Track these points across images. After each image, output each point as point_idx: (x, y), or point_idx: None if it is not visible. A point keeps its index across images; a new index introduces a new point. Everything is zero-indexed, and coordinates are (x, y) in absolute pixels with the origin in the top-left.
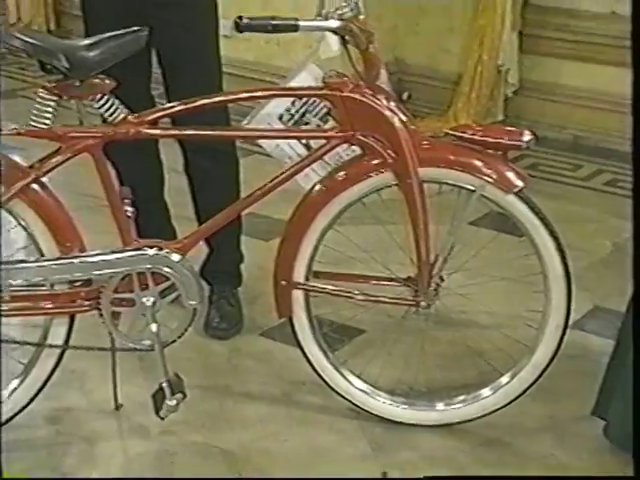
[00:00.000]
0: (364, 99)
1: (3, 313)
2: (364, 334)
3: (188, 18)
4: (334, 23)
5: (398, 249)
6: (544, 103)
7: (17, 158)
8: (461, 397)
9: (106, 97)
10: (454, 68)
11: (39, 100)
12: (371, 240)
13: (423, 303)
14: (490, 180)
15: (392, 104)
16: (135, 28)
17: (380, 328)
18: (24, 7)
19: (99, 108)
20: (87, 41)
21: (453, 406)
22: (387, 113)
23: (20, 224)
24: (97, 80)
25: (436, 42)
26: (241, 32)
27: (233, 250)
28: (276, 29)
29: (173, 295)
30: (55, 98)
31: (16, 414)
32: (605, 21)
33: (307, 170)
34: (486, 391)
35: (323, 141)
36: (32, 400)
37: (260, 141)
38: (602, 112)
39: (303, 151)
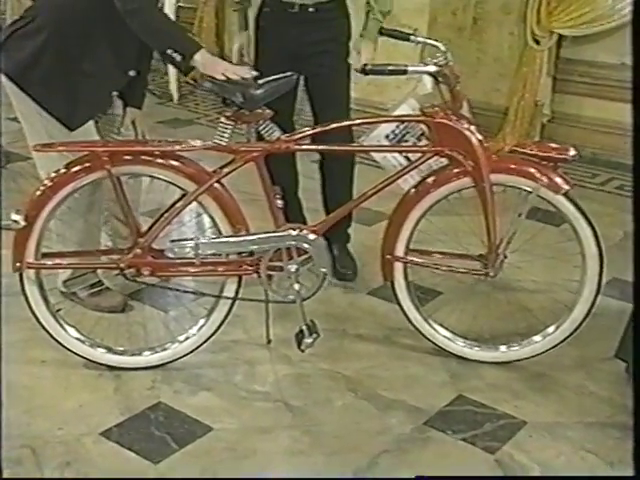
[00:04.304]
0: (451, 124)
1: (195, 274)
2: (442, 295)
3: (334, 64)
4: (432, 68)
5: (471, 234)
6: (570, 129)
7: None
8: (518, 342)
9: (266, 122)
10: (503, 103)
11: (221, 124)
12: (453, 227)
13: (491, 274)
14: (543, 184)
15: (472, 127)
16: (289, 73)
17: (454, 291)
18: None
19: (261, 130)
20: (257, 83)
21: (512, 348)
22: (468, 134)
23: (206, 212)
24: (260, 110)
25: (490, 84)
26: (366, 75)
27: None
28: (391, 72)
29: (310, 264)
30: (232, 123)
31: (202, 344)
32: (616, 69)
33: (406, 176)
34: (537, 338)
35: (419, 154)
36: (213, 334)
37: (373, 154)
38: (612, 136)
39: (404, 162)
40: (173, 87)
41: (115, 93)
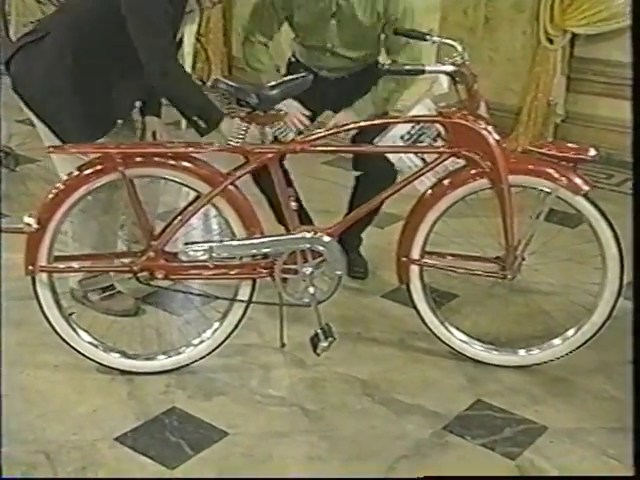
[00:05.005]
0: (468, 124)
1: (208, 277)
2: (458, 298)
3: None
4: (450, 67)
5: (486, 236)
6: (584, 129)
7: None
8: (537, 345)
9: (281, 123)
10: (515, 103)
11: (235, 126)
12: (468, 228)
13: (509, 276)
14: (563, 184)
15: (489, 128)
16: (303, 74)
17: (470, 294)
18: None
19: (276, 131)
20: (270, 84)
21: (531, 352)
22: (485, 134)
23: (220, 214)
24: (274, 112)
25: (502, 84)
26: (382, 75)
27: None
28: (408, 72)
29: (325, 267)
30: (246, 124)
31: (216, 347)
32: (630, 68)
33: (422, 177)
34: (557, 341)
35: (435, 155)
36: (227, 338)
37: (388, 155)
38: (628, 136)
39: (420, 163)
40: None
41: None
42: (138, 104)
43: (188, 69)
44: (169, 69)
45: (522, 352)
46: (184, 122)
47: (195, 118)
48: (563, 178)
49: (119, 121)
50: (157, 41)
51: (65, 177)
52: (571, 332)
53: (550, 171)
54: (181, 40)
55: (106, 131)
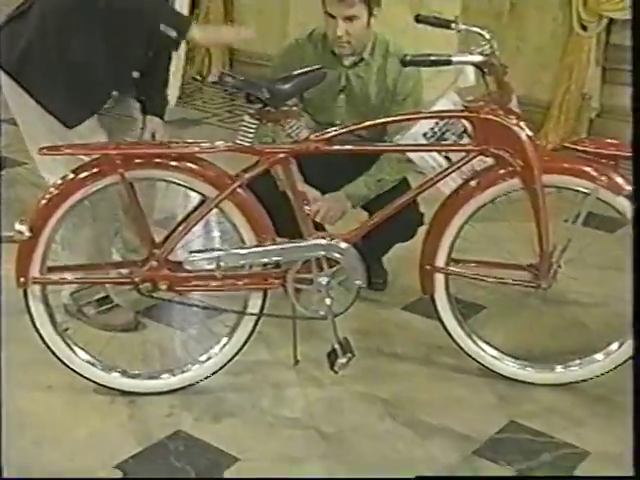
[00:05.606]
0: (498, 119)
1: (216, 288)
2: (485, 310)
3: None
4: (478, 58)
5: (518, 241)
6: (621, 124)
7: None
8: (577, 361)
9: (294, 121)
10: (545, 96)
11: (244, 123)
12: (495, 234)
13: (544, 285)
14: (603, 184)
15: (521, 123)
16: (316, 66)
17: (498, 305)
18: None
19: (288, 129)
20: (282, 77)
21: (570, 368)
22: (517, 130)
23: (228, 220)
24: (287, 107)
25: (530, 75)
26: (405, 66)
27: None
28: (434, 63)
29: (342, 276)
30: (256, 122)
31: (225, 364)
32: None
33: (447, 178)
34: (599, 356)
35: (462, 154)
36: (236, 354)
37: (410, 154)
38: None
39: (444, 163)
40: (173, 89)
41: (115, 93)
42: (136, 74)
43: (183, 62)
44: None
45: (559, 369)
46: (176, 93)
47: (162, 27)
48: (603, 177)
49: (114, 93)
50: None
51: (59, 181)
52: (614, 346)
53: (589, 170)
54: None
55: (100, 103)
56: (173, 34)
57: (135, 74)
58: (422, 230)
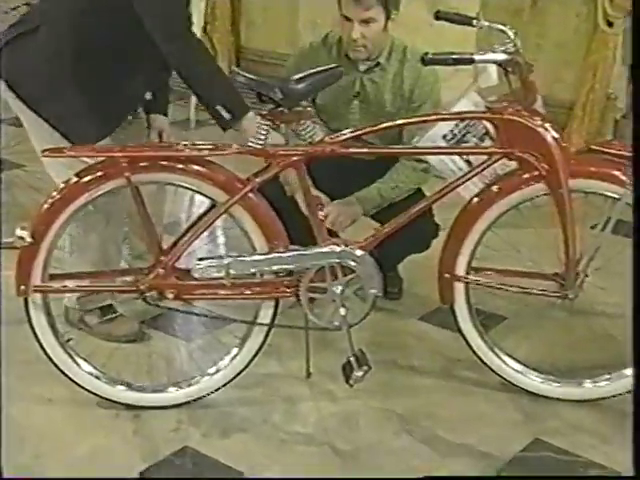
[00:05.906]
0: (523, 120)
1: (224, 297)
2: (506, 320)
3: None
4: (502, 56)
5: (543, 249)
6: None
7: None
8: (606, 375)
9: (308, 122)
10: (568, 96)
11: (256, 125)
12: (517, 240)
13: (571, 295)
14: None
15: (547, 124)
16: (332, 65)
17: (520, 316)
18: None
19: (302, 131)
20: (296, 76)
21: (599, 383)
22: (542, 132)
23: (238, 225)
24: (301, 108)
25: (552, 74)
26: (426, 65)
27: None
28: (456, 62)
29: (358, 285)
30: (269, 123)
31: (235, 377)
32: None
33: (468, 182)
34: (629, 371)
35: (484, 157)
36: (246, 367)
37: (428, 157)
38: None
39: (465, 166)
40: (192, 112)
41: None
42: (148, 96)
43: None
44: (190, 46)
45: (587, 384)
46: (193, 117)
47: (219, 107)
48: None
49: (129, 117)
50: (174, 14)
51: (62, 184)
52: None
53: (618, 174)
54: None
55: (115, 126)
56: (227, 117)
57: (148, 96)
58: (437, 240)
